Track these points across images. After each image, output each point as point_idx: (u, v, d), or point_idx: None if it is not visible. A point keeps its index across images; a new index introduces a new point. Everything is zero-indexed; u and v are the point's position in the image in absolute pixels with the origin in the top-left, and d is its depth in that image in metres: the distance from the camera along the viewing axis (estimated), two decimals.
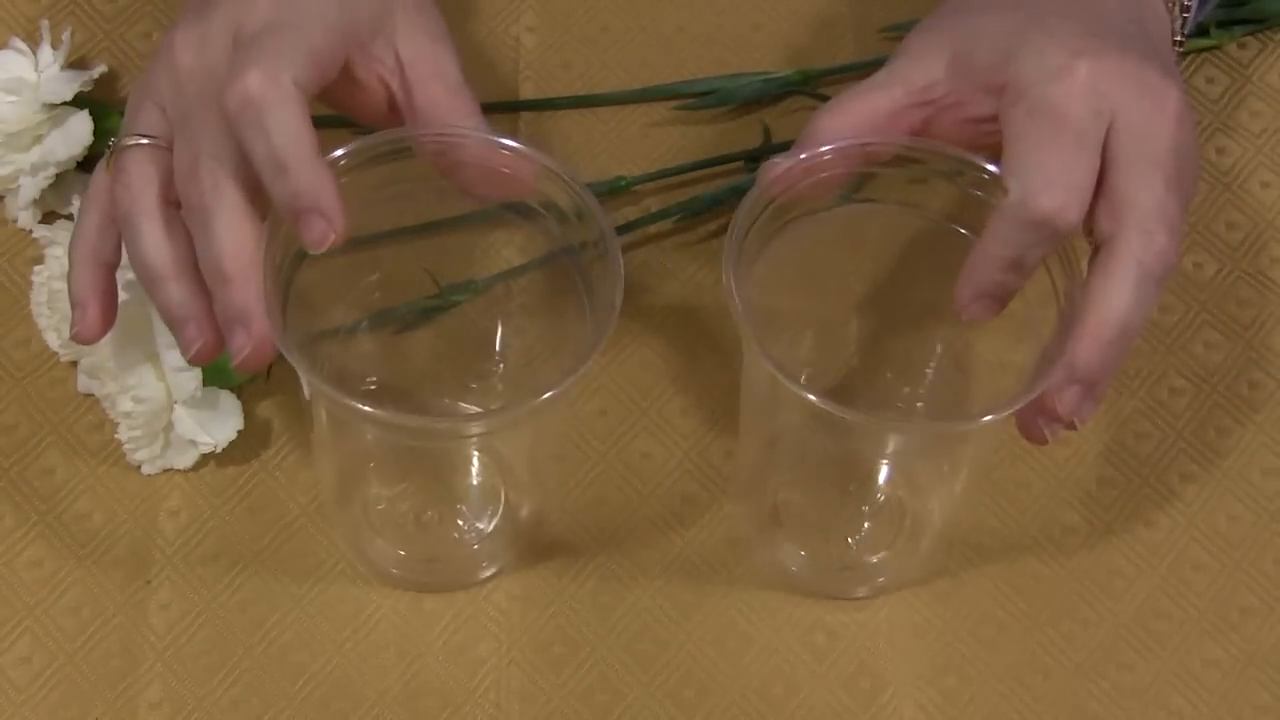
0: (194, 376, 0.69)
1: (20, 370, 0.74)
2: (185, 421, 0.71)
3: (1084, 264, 0.64)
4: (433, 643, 0.69)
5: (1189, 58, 0.84)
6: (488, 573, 0.71)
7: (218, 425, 0.71)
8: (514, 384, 0.72)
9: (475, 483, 0.73)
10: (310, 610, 0.70)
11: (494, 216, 0.70)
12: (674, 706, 0.68)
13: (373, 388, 0.73)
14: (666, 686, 0.69)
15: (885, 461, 0.73)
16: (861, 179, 0.67)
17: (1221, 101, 0.83)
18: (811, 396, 0.61)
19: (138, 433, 0.70)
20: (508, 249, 0.74)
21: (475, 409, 0.72)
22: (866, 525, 0.72)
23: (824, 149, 0.65)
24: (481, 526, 0.72)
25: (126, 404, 0.69)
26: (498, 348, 0.73)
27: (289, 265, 0.64)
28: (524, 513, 0.72)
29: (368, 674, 0.69)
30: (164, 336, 0.69)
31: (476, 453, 0.72)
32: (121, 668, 0.68)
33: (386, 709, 0.68)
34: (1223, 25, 0.84)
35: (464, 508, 0.72)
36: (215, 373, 0.71)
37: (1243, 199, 0.80)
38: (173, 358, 0.69)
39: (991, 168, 0.65)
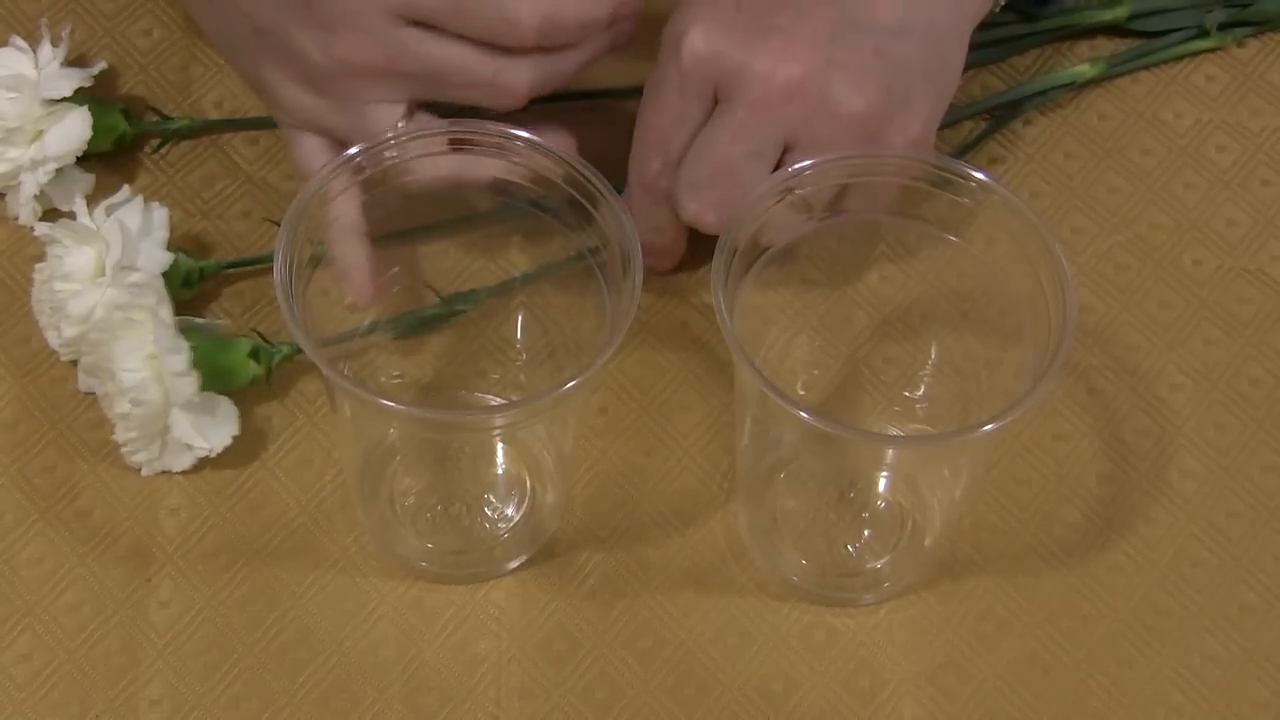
0: (192, 380, 0.69)
1: (20, 368, 0.74)
2: (181, 425, 0.70)
3: (1067, 262, 0.64)
4: (432, 640, 0.69)
5: (1191, 56, 0.84)
6: (515, 563, 0.71)
7: (214, 430, 0.71)
8: (536, 374, 0.73)
9: (501, 473, 0.73)
10: (310, 607, 0.70)
11: (514, 211, 0.71)
12: (673, 704, 0.69)
13: (397, 381, 0.73)
14: (666, 684, 0.69)
15: (884, 469, 0.73)
16: (842, 191, 0.68)
17: (1222, 99, 0.83)
18: (804, 415, 0.61)
19: (134, 434, 0.70)
20: (527, 243, 0.74)
21: (498, 400, 0.73)
22: (867, 532, 0.72)
23: (804, 163, 0.66)
24: (511, 514, 0.72)
25: (124, 406, 0.69)
26: (519, 339, 0.74)
27: (309, 264, 0.65)
28: (550, 501, 0.72)
29: (368, 671, 0.69)
30: (164, 340, 0.69)
31: (501, 443, 0.73)
32: (122, 665, 0.68)
33: (386, 706, 0.68)
34: (1224, 28, 0.83)
35: (491, 497, 0.72)
36: (214, 377, 0.71)
37: (1243, 196, 0.80)
38: (172, 361, 0.69)
39: (979, 175, 0.65)
